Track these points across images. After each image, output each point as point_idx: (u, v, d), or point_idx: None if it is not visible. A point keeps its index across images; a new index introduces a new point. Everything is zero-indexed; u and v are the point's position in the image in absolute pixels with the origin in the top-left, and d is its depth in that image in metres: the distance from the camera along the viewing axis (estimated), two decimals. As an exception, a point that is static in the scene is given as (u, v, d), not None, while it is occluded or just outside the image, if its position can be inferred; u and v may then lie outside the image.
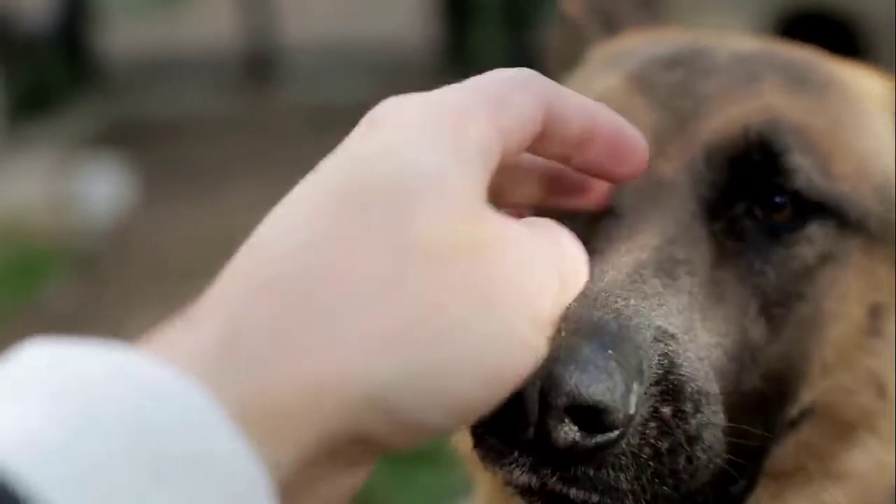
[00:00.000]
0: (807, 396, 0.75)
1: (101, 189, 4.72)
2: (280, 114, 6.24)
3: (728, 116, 0.74)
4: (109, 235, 4.52)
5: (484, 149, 0.53)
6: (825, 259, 0.74)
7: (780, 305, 0.72)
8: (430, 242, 0.50)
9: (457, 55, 6.49)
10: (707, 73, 0.77)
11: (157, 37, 7.93)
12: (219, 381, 0.45)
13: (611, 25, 0.94)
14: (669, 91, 0.76)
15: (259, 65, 7.18)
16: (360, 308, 0.48)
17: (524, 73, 0.57)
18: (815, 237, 0.74)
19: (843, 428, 0.76)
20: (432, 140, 0.52)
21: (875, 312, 0.76)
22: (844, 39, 3.57)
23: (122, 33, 7.58)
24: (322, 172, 0.53)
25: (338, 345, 0.47)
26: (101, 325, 3.47)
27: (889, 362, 0.76)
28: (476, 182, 0.52)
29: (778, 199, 0.74)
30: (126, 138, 5.70)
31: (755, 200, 0.73)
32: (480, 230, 0.51)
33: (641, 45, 0.84)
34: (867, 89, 0.82)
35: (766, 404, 0.71)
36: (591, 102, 0.59)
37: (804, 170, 0.73)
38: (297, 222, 0.51)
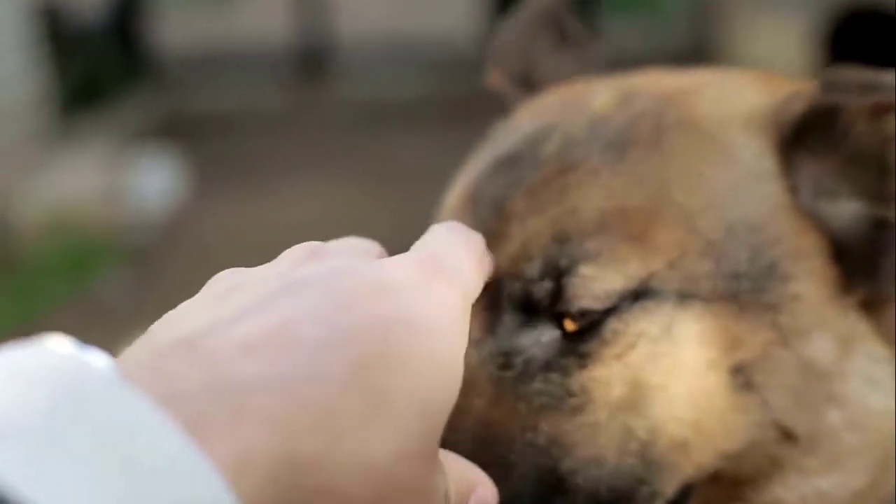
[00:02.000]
0: (672, 482, 0.70)
1: (153, 182, 4.75)
2: (332, 109, 6.26)
3: (521, 242, 0.70)
4: (161, 228, 4.55)
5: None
6: (631, 346, 0.68)
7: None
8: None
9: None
10: (528, 171, 0.73)
11: (210, 31, 7.97)
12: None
13: (533, 85, 0.90)
14: (490, 205, 0.73)
15: (312, 60, 7.20)
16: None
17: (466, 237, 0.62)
18: (617, 333, 0.68)
19: (748, 484, 0.72)
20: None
21: (737, 371, 0.69)
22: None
23: (176, 27, 7.63)
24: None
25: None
26: (153, 316, 3.49)
27: (783, 405, 0.70)
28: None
29: (581, 315, 0.68)
30: (179, 132, 5.73)
31: (555, 320, 0.69)
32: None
33: (523, 120, 0.80)
34: (733, 117, 0.74)
35: None
36: None
37: (590, 283, 0.68)
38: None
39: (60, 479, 0.41)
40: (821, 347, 0.71)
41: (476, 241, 0.64)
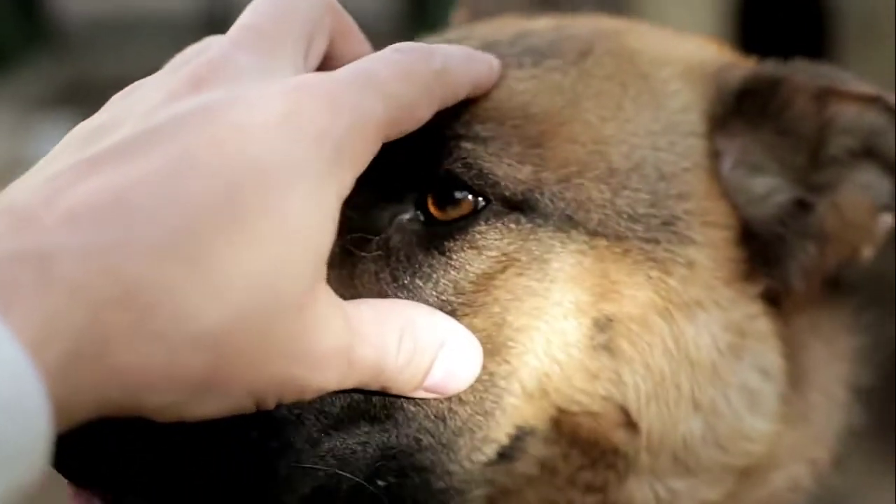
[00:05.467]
0: (514, 419, 0.65)
1: (57, 150, 4.67)
2: (238, 74, 6.19)
3: None
4: (66, 197, 4.48)
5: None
6: (507, 265, 0.64)
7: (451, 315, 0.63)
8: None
9: (417, 20, 6.45)
10: None
11: (113, -4, 7.85)
12: None
13: None
14: None
15: (216, 24, 7.11)
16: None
17: None
18: (487, 239, 0.64)
19: (600, 454, 0.67)
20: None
21: (603, 326, 0.65)
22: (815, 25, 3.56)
23: (78, -8, 7.50)
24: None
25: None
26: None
27: (637, 390, 0.65)
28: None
29: (452, 190, 0.65)
30: (83, 99, 5.64)
31: (424, 190, 0.65)
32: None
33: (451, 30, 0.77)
34: (669, 62, 0.71)
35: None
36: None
37: (469, 156, 0.64)
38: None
39: None
40: (706, 333, 0.66)
41: (422, 61, 0.59)
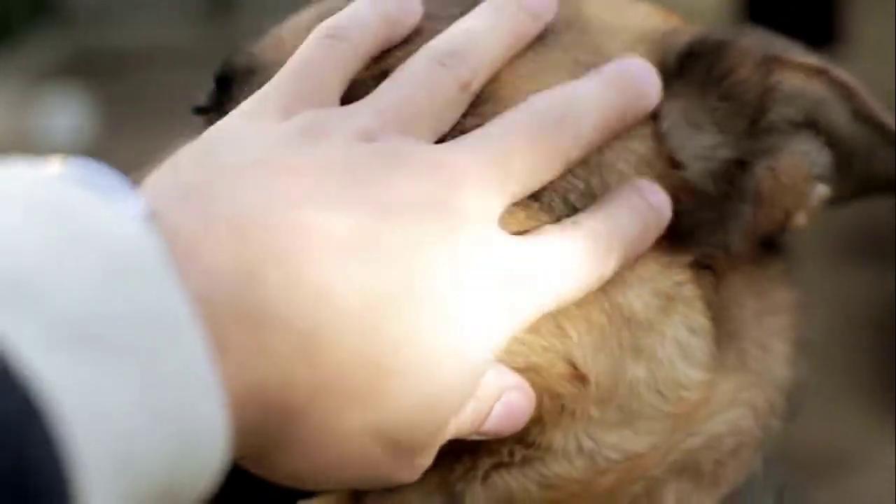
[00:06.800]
0: None
1: (62, 122, 4.67)
2: (243, 43, 6.18)
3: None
4: (73, 169, 4.48)
5: None
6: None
7: None
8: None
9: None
10: None
11: (116, -34, 7.82)
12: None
13: None
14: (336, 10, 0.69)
15: (221, -6, 7.09)
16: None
17: None
18: None
19: (545, 412, 0.66)
20: None
21: None
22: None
23: (81, -37, 7.47)
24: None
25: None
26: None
27: (582, 341, 0.65)
28: None
29: None
30: (87, 70, 5.63)
31: None
32: None
33: None
34: (621, 29, 0.72)
35: None
36: None
37: None
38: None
39: (101, 385, 0.41)
40: (637, 298, 0.67)
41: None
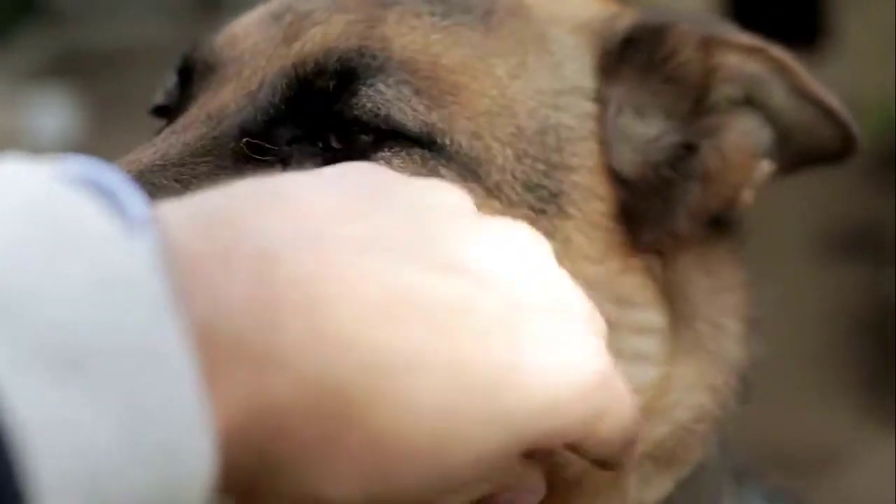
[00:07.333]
0: None
1: (49, 121, 4.67)
2: (230, 43, 6.18)
3: (322, 38, 0.67)
4: (59, 168, 4.48)
5: None
6: None
7: None
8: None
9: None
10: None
11: (103, -34, 7.81)
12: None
13: None
14: (293, 14, 0.70)
15: (208, -6, 7.09)
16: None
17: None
18: (390, 165, 0.64)
19: None
20: None
21: None
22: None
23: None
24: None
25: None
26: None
27: None
28: None
29: (356, 130, 0.65)
30: (73, 69, 5.62)
31: (326, 129, 0.66)
32: None
33: None
34: (563, 18, 0.72)
35: None
36: None
37: (379, 101, 0.65)
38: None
39: (74, 415, 0.38)
40: (598, 307, 0.65)
41: None
